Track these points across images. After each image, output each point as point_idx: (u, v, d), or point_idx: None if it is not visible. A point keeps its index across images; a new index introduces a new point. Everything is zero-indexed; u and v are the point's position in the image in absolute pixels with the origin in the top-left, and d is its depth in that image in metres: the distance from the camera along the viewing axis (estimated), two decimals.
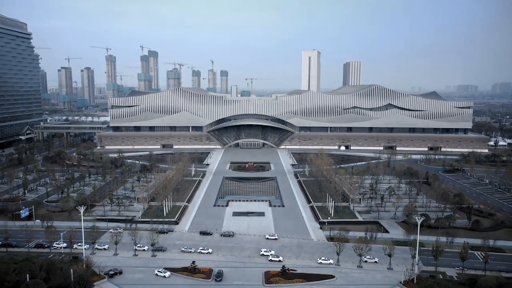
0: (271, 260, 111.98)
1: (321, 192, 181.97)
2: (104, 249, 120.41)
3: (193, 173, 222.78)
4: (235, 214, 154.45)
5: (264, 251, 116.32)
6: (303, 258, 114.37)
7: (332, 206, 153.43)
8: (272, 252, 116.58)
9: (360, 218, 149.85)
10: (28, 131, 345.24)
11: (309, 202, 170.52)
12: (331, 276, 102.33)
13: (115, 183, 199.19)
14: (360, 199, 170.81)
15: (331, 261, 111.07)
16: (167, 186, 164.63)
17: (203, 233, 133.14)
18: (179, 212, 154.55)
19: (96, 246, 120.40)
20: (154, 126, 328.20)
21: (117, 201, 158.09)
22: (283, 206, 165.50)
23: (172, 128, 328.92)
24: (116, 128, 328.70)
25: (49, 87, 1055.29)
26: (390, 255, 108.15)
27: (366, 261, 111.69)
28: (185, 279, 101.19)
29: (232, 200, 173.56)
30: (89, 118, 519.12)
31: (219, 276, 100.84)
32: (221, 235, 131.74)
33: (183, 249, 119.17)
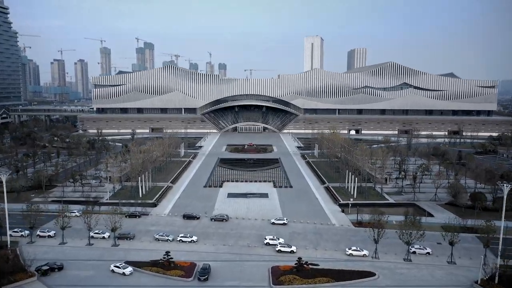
0: (280, 251, 79.21)
1: (337, 173, 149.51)
2: (49, 236, 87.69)
3: (182, 153, 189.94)
4: (231, 195, 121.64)
5: (270, 239, 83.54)
6: (324, 249, 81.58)
7: (354, 187, 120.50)
8: (281, 240, 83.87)
9: (391, 200, 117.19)
10: (4, 115, 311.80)
11: (322, 183, 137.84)
12: (371, 274, 69.49)
13: (88, 164, 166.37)
14: (386, 179, 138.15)
15: (365, 252, 78.38)
16: (146, 162, 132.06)
17: (188, 216, 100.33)
18: (159, 193, 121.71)
19: (38, 233, 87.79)
20: (142, 108, 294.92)
21: (80, 180, 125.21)
22: (291, 187, 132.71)
23: (163, 110, 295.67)
24: (101, 110, 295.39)
25: (43, 81, 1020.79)
26: (452, 244, 75.44)
27: (414, 252, 79.04)
28: (154, 277, 68.31)
29: (228, 181, 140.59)
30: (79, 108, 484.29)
31: (205, 273, 67.98)
32: (211, 219, 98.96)
33: (157, 236, 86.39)
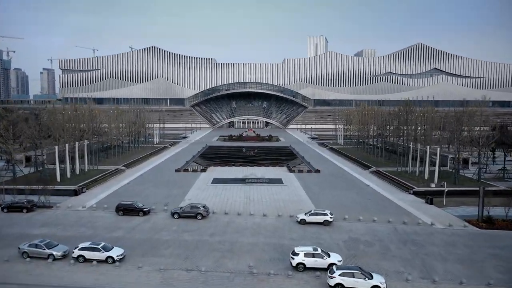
0: None
1: (382, 157, 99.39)
2: None
3: (156, 140, 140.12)
4: (217, 181, 70.85)
5: (307, 254, 32.50)
6: (457, 281, 30.57)
7: (435, 171, 70.39)
8: (336, 257, 33.00)
9: (502, 187, 66.57)
10: None
11: (365, 167, 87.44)
12: None
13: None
14: (466, 160, 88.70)
15: None
16: (78, 135, 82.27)
17: (126, 209, 49.24)
18: (95, 177, 70.90)
19: None
20: (121, 98, 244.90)
21: None
22: (318, 171, 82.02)
23: (145, 101, 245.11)
24: (70, 101, 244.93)
25: (34, 92, 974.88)
26: None
27: None
28: None
29: (215, 164, 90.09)
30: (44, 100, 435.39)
31: None
32: (172, 214, 48.01)
33: (25, 248, 35.25)
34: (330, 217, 45.02)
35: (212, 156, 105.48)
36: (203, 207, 48.17)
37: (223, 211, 50.31)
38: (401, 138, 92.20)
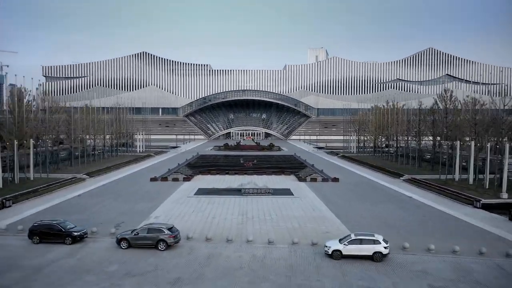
0: None
1: (416, 165, 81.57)
2: None
3: (140, 149, 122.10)
4: (203, 192, 52.13)
5: None
6: None
7: (503, 178, 52.49)
8: None
9: None
10: None
11: (395, 175, 68.98)
12: None
13: None
14: None
15: None
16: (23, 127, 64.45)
17: (45, 232, 30.21)
18: (36, 187, 52.34)
19: None
20: (110, 107, 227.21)
21: None
22: (335, 179, 63.39)
23: (136, 111, 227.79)
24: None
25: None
26: None
27: None
28: None
29: (203, 173, 71.19)
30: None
31: None
32: (119, 241, 29.16)
33: None
34: (385, 247, 26.26)
35: (203, 165, 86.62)
36: (169, 229, 29.34)
37: (204, 236, 31.56)
38: (439, 140, 74.82)
